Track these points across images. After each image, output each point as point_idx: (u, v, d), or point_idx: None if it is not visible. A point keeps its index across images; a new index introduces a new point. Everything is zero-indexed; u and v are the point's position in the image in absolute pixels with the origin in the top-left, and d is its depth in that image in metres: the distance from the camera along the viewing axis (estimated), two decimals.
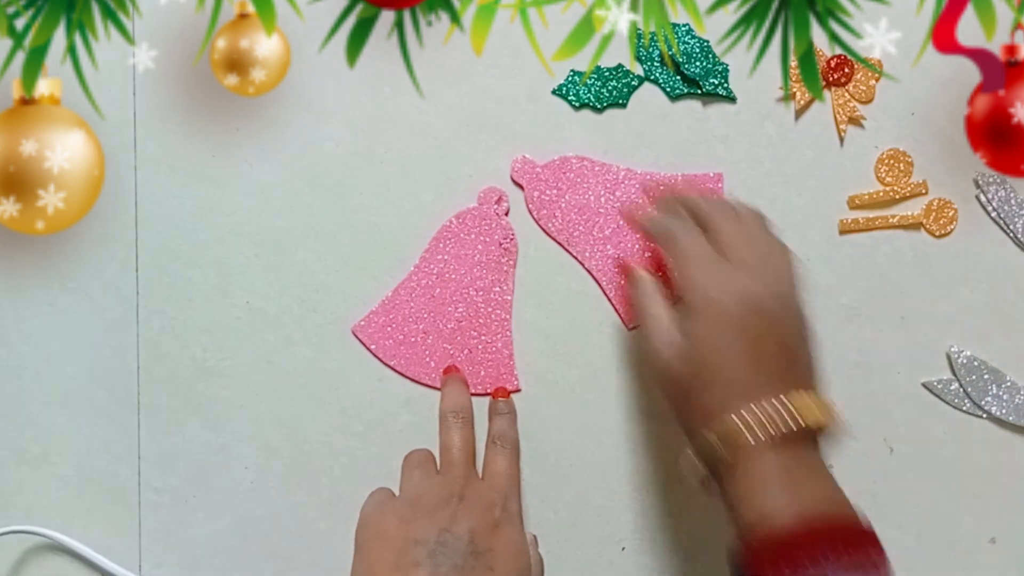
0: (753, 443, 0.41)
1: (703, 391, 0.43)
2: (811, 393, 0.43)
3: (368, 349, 0.55)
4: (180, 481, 0.55)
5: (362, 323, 0.55)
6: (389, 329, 0.55)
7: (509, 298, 0.55)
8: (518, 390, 0.55)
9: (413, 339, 0.55)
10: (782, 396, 0.42)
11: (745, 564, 0.40)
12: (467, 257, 0.55)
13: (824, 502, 0.41)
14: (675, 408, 0.45)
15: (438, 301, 0.55)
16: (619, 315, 0.55)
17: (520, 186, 0.55)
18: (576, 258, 0.55)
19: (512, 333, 0.55)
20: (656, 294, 0.48)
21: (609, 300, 0.55)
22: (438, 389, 0.55)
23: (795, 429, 0.41)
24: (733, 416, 0.41)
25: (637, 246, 0.55)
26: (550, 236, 0.55)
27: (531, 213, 0.55)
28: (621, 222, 0.55)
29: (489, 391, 0.54)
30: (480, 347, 0.55)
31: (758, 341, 0.43)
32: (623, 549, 0.55)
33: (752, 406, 0.41)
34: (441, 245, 0.55)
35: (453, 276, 0.55)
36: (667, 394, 0.46)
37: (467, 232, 0.55)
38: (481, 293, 0.55)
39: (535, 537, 0.52)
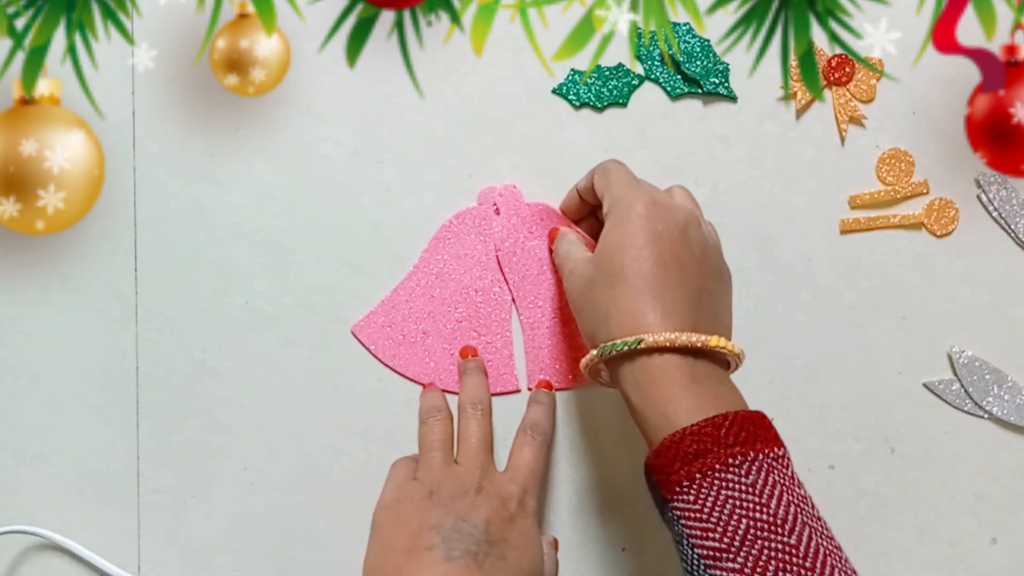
0: (656, 346, 0.42)
1: (609, 291, 0.44)
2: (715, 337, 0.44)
3: (367, 349, 0.54)
4: (179, 481, 0.55)
5: (361, 323, 0.54)
6: (388, 329, 0.54)
7: (509, 298, 0.55)
8: (518, 390, 0.55)
9: (413, 339, 0.54)
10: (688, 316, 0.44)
11: (653, 467, 0.42)
12: (467, 257, 0.55)
13: (725, 400, 0.42)
14: (584, 311, 0.46)
15: (438, 301, 0.55)
16: (528, 372, 0.55)
17: (497, 211, 0.55)
18: (515, 301, 0.55)
19: (512, 333, 0.55)
20: (575, 240, 0.51)
21: (524, 353, 0.55)
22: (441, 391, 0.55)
23: (698, 345, 0.43)
24: (642, 318, 0.43)
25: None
26: (501, 269, 0.54)
27: (496, 240, 0.54)
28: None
29: (490, 392, 0.54)
30: (480, 347, 0.55)
31: (666, 252, 0.44)
32: (623, 550, 0.55)
33: (660, 314, 0.43)
34: (441, 245, 0.55)
35: (453, 276, 0.55)
36: (577, 302, 0.47)
37: (467, 232, 0.55)
38: (481, 293, 0.55)
39: (556, 540, 0.52)
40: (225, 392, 0.55)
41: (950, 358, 0.56)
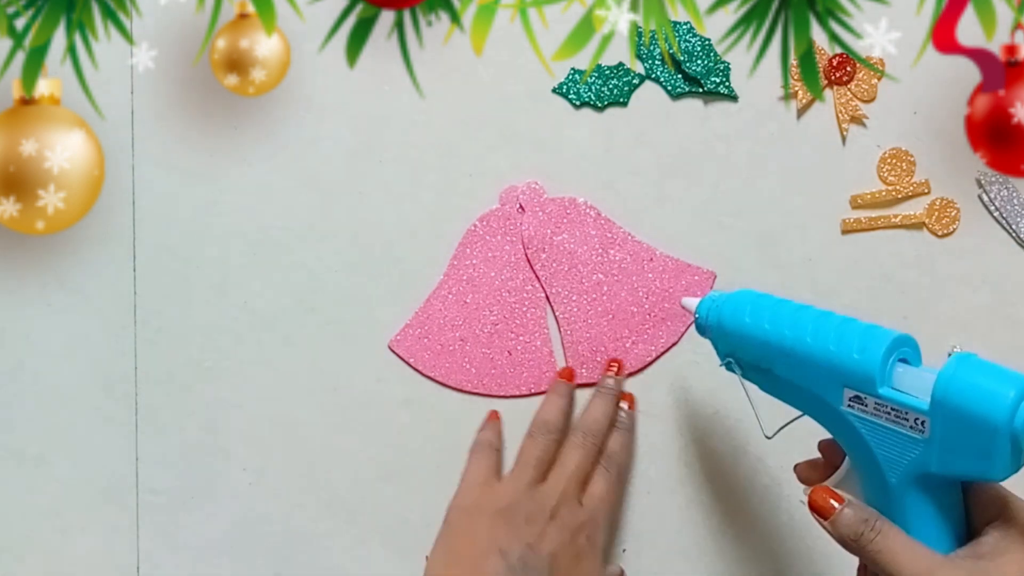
0: None
1: None
2: None
3: (407, 363, 0.54)
4: (178, 482, 0.54)
5: (398, 337, 0.54)
6: (426, 340, 0.54)
7: (542, 295, 0.55)
8: None
9: (451, 348, 0.54)
10: None
11: None
12: (496, 259, 0.55)
13: None
14: None
15: (471, 307, 0.54)
16: (567, 365, 0.55)
17: (522, 208, 0.55)
18: (549, 299, 0.55)
19: (549, 330, 0.55)
20: None
21: (563, 349, 0.55)
22: (482, 395, 0.54)
23: None
24: None
25: (611, 305, 0.54)
26: (531, 267, 0.54)
27: (523, 239, 0.54)
28: (600, 278, 0.54)
29: (535, 391, 0.54)
30: (519, 348, 0.54)
31: None
32: (624, 551, 0.55)
33: None
34: (468, 250, 0.55)
35: (484, 280, 0.54)
36: None
37: (493, 234, 0.55)
38: (514, 294, 0.55)
39: (623, 571, 0.52)
40: (224, 392, 0.54)
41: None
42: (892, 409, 0.39)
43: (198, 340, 0.54)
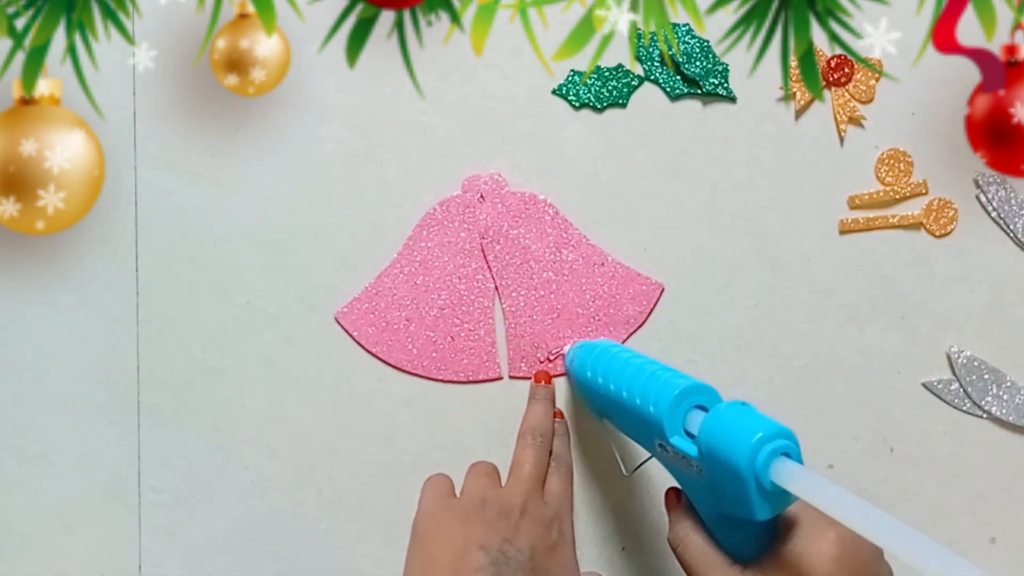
0: None
1: None
2: None
3: (350, 335, 0.55)
4: (180, 481, 0.55)
5: (344, 310, 0.55)
6: (372, 316, 0.55)
7: (492, 286, 0.55)
8: (500, 378, 0.55)
9: (396, 326, 0.55)
10: None
11: None
12: (451, 245, 0.55)
13: None
14: None
15: (421, 288, 0.55)
16: (509, 360, 0.55)
17: (482, 198, 0.55)
18: (498, 290, 0.55)
19: (494, 321, 0.55)
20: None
21: (506, 341, 0.55)
22: (422, 376, 0.55)
23: None
24: None
25: (558, 304, 0.55)
26: (484, 257, 0.55)
27: (480, 228, 0.55)
28: (550, 276, 0.55)
29: (472, 379, 0.55)
30: (463, 335, 0.55)
31: None
32: (623, 549, 0.55)
33: None
34: (425, 233, 0.55)
35: (436, 264, 0.55)
36: None
37: (451, 220, 0.55)
38: (464, 281, 0.55)
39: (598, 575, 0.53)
40: (226, 392, 0.55)
41: (949, 358, 0.56)
42: (682, 456, 0.42)
43: (200, 339, 0.55)
